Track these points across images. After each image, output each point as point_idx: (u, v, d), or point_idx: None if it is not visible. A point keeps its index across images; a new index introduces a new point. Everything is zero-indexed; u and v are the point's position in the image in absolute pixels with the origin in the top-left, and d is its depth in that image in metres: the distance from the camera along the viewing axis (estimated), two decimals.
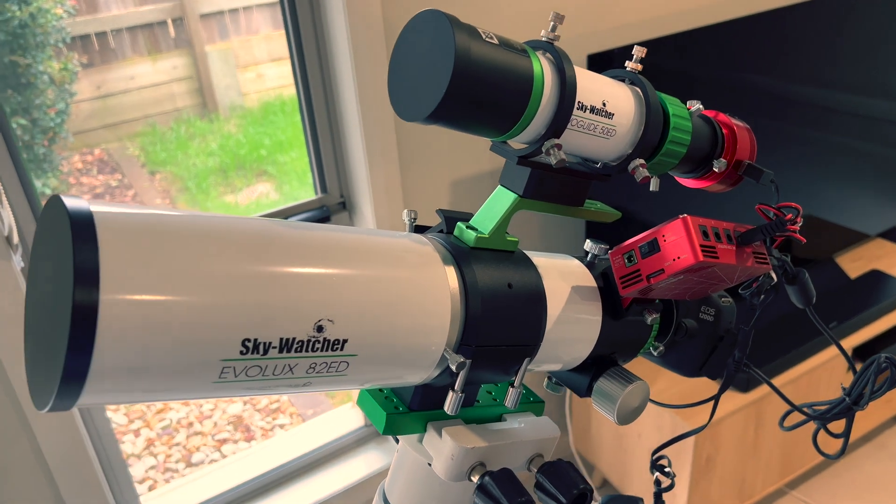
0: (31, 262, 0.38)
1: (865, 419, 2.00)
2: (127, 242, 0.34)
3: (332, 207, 1.52)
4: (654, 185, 0.56)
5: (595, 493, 0.53)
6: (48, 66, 3.67)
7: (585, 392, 0.57)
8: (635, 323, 0.57)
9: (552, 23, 0.46)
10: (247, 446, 2.49)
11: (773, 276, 0.57)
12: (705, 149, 0.55)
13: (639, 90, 0.51)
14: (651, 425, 1.69)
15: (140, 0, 4.37)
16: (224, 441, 2.51)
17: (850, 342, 1.80)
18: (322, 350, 0.40)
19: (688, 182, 0.59)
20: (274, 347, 0.38)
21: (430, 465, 0.52)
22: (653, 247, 0.50)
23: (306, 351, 0.39)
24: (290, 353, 0.39)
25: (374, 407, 0.50)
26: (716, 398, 0.62)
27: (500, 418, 0.56)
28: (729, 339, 0.62)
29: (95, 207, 0.34)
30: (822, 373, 1.75)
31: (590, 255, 0.57)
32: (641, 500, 0.53)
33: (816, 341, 1.74)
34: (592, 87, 0.47)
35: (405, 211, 0.52)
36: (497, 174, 0.54)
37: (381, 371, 0.44)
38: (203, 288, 0.35)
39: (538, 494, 0.50)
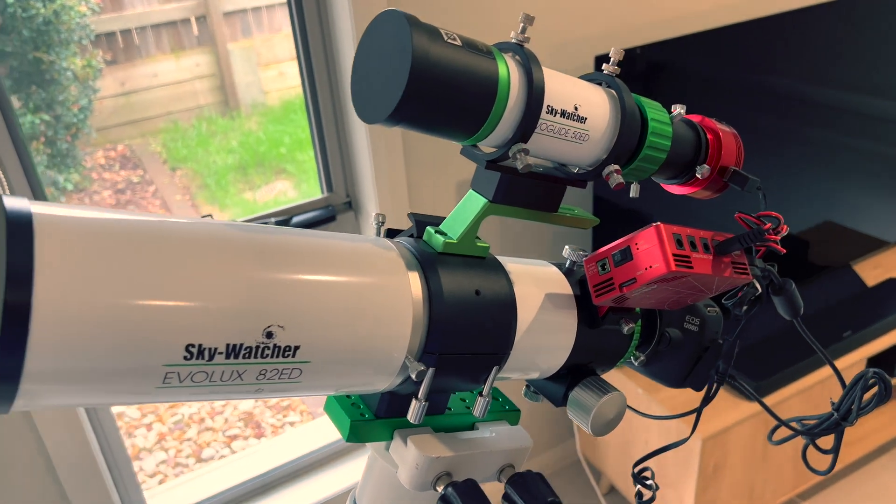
0: None
1: (882, 430, 1.96)
2: (66, 244, 0.33)
3: (337, 207, 1.52)
4: (633, 192, 0.54)
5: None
6: (71, 63, 3.72)
7: (561, 401, 0.56)
8: (612, 332, 0.55)
9: (522, 24, 0.45)
10: (256, 443, 2.51)
11: (758, 286, 0.55)
12: (688, 155, 0.54)
13: (615, 94, 0.49)
14: (657, 432, 1.66)
15: None
16: (234, 437, 2.52)
17: (866, 352, 1.76)
18: (272, 357, 0.39)
19: (672, 188, 0.57)
20: (220, 353, 0.37)
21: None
22: (625, 255, 0.49)
23: (255, 357, 0.38)
24: (237, 360, 0.38)
25: (338, 413, 0.50)
26: (698, 410, 0.60)
27: (472, 427, 0.55)
28: (714, 350, 0.61)
29: (37, 208, 0.33)
30: (836, 382, 1.71)
31: (568, 262, 0.56)
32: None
33: (830, 349, 1.71)
34: (564, 90, 0.46)
35: (374, 214, 0.51)
36: None
37: (339, 378, 0.43)
38: (143, 291, 0.35)
39: None
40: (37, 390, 0.33)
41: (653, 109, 0.51)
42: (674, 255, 0.46)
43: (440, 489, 0.48)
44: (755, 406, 1.59)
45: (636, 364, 0.60)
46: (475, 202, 0.49)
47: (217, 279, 0.37)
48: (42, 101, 3.68)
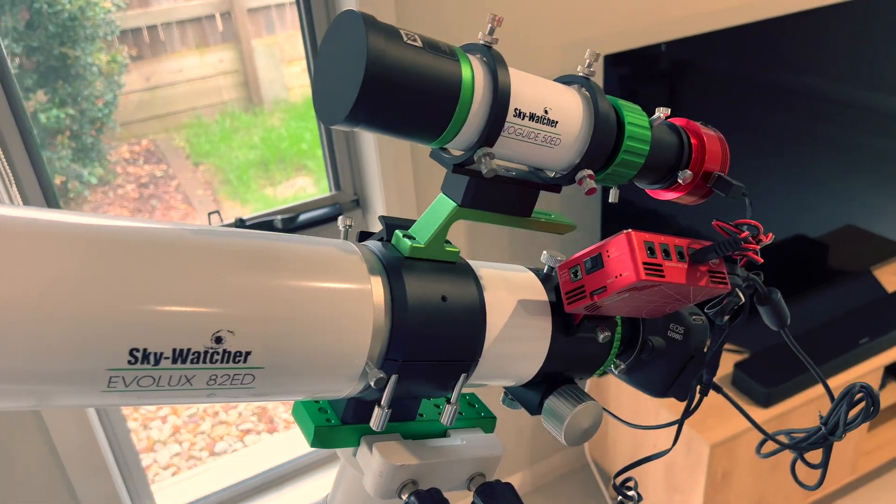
0: None
1: None
2: (5, 245, 0.33)
3: (345, 205, 1.52)
4: (612, 197, 0.53)
5: None
6: (97, 59, 3.77)
7: (536, 409, 0.55)
8: (589, 340, 0.54)
9: (489, 25, 0.44)
10: (269, 437, 2.52)
11: (741, 295, 0.54)
12: (670, 159, 0.52)
13: (590, 97, 0.48)
14: (667, 436, 1.64)
15: None
16: (247, 431, 2.53)
17: (883, 360, 1.72)
18: (222, 362, 0.38)
19: (655, 193, 0.55)
20: (166, 358, 0.37)
21: None
22: (596, 262, 0.47)
23: (204, 362, 0.38)
24: (185, 364, 0.37)
25: (304, 417, 0.49)
26: (679, 422, 0.59)
27: (445, 434, 0.54)
28: (699, 360, 0.59)
29: None
30: None
31: (546, 268, 0.55)
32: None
33: (845, 357, 1.67)
34: (533, 92, 0.45)
35: (339, 218, 0.50)
36: None
37: (296, 385, 0.43)
38: (84, 294, 0.34)
39: None
40: None
41: (631, 113, 0.49)
42: (644, 263, 0.45)
43: (405, 497, 0.48)
44: (766, 413, 1.56)
45: (616, 372, 0.59)
46: (444, 206, 0.48)
47: (163, 282, 0.37)
48: (68, 96, 3.73)
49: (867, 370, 1.68)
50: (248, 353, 0.39)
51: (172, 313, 0.36)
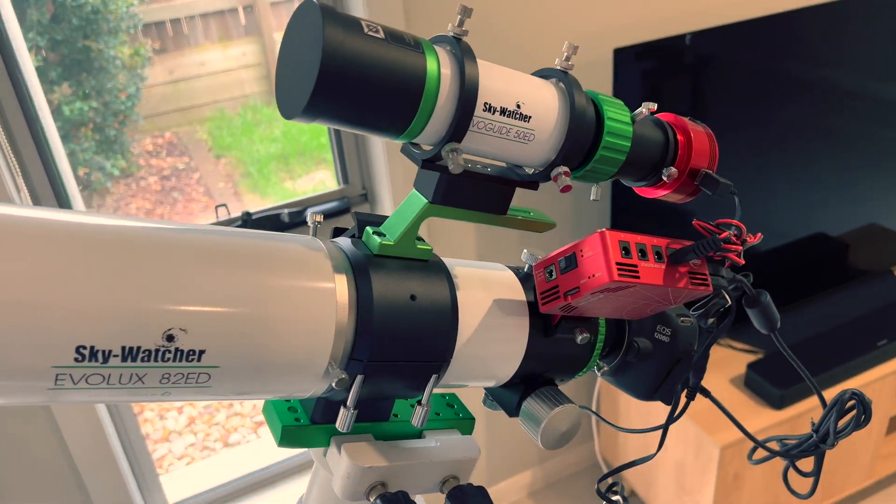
0: None
1: None
2: None
3: (353, 199, 1.51)
4: (594, 194, 0.51)
5: None
6: (120, 52, 3.80)
7: (514, 411, 0.53)
8: (567, 341, 0.52)
9: (459, 16, 0.42)
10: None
11: (728, 297, 0.52)
12: (654, 156, 0.50)
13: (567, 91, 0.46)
14: (676, 437, 1.62)
15: None
16: (262, 423, 2.55)
17: None
18: (175, 361, 0.38)
19: (641, 191, 0.54)
20: (115, 356, 0.36)
21: None
22: (570, 262, 0.46)
23: (155, 361, 0.37)
24: (135, 363, 0.37)
25: (272, 416, 0.48)
26: (665, 427, 0.57)
27: (420, 435, 0.53)
28: (686, 363, 0.57)
29: None
30: (871, 392, 1.64)
31: (527, 267, 0.53)
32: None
33: (862, 359, 1.63)
34: (505, 87, 0.43)
35: (308, 213, 0.49)
36: None
37: (254, 384, 0.42)
38: (30, 289, 0.33)
39: None
40: None
41: (612, 108, 0.47)
42: (618, 264, 0.43)
43: (372, 499, 0.47)
44: (778, 414, 1.53)
45: (600, 374, 0.57)
46: (416, 202, 0.47)
47: (112, 278, 0.36)
48: (92, 89, 3.77)
49: (884, 373, 1.64)
50: (202, 352, 0.38)
51: (121, 310, 0.36)
